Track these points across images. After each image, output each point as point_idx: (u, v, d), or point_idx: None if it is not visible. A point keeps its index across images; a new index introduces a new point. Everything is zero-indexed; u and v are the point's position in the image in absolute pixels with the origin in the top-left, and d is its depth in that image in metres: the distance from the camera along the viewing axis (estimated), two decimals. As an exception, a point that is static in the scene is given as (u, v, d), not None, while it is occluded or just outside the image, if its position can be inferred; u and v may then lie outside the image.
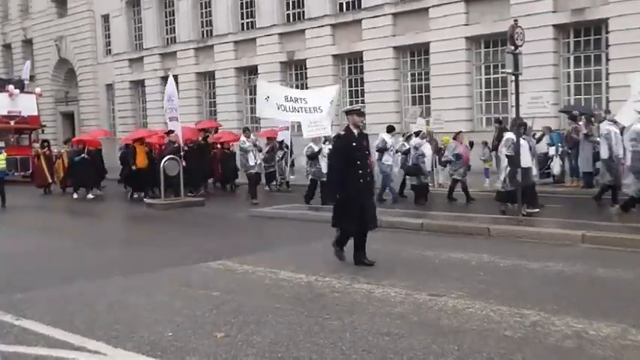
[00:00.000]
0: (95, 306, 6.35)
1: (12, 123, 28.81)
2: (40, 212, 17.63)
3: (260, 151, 18.00)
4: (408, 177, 15.49)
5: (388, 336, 5.15)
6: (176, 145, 17.38)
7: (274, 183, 20.01)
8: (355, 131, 8.22)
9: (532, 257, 8.32)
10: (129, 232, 13.18)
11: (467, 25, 22.50)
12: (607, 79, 19.71)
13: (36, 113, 30.10)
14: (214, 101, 32.32)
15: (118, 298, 6.67)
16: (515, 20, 11.59)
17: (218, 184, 21.30)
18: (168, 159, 16.69)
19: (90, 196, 19.36)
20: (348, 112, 8.47)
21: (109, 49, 37.92)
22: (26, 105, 29.33)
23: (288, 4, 28.70)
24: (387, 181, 15.01)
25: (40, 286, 7.35)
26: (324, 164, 13.85)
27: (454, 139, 15.17)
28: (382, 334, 5.19)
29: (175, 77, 33.54)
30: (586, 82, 20.58)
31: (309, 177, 15.23)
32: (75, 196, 19.52)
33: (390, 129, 15.66)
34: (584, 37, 20.53)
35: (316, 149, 14.89)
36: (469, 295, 6.39)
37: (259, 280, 7.39)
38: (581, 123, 15.89)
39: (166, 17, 34.44)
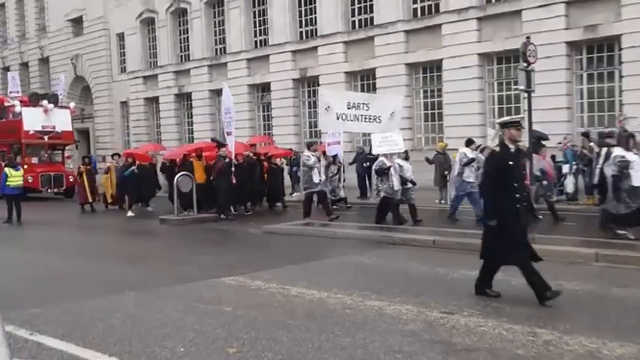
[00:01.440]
0: (108, 321, 6.39)
1: (46, 138, 28.19)
2: (54, 228, 17.75)
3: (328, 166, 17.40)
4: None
5: (400, 353, 5.14)
6: (227, 160, 16.80)
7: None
8: (512, 147, 7.15)
9: (545, 275, 8.24)
10: (142, 247, 13.24)
11: (479, 41, 22.57)
12: (620, 96, 19.64)
13: (70, 128, 29.48)
14: (227, 118, 32.46)
15: (130, 313, 6.71)
16: (528, 37, 11.66)
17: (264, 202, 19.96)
18: (182, 175, 16.79)
19: (149, 208, 19.67)
20: (504, 125, 7.26)
21: (124, 67, 38.32)
22: (60, 120, 28.70)
23: (301, 21, 28.92)
24: (472, 200, 13.59)
25: (53, 301, 7.39)
26: (395, 181, 13.50)
27: (536, 153, 13.69)
28: (394, 352, 5.18)
29: (189, 95, 34.06)
30: (599, 99, 20.52)
31: (381, 194, 13.77)
32: (130, 213, 18.84)
33: (470, 142, 14.50)
34: (597, 54, 20.50)
35: (387, 165, 13.73)
36: (481, 313, 6.37)
37: (271, 296, 7.41)
38: (592, 144, 15.81)
39: (180, 35, 34.81)
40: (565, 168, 16.71)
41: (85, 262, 10.84)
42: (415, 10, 24.89)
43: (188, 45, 34.15)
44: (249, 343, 5.50)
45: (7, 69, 48.72)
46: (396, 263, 9.56)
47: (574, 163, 16.55)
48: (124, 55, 38.36)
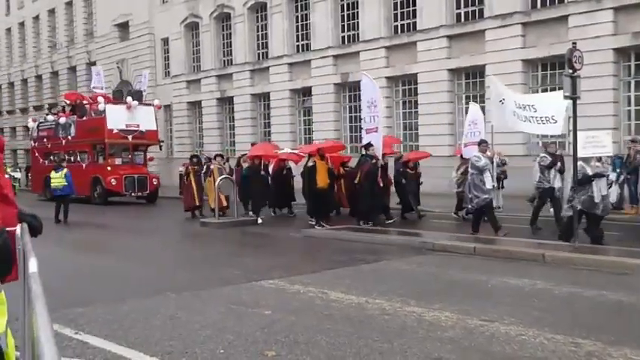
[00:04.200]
0: (150, 322, 6.50)
1: (129, 138, 26.36)
2: (101, 230, 18.11)
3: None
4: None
5: (438, 360, 5.11)
6: (374, 161, 14.85)
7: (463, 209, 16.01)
8: None
9: (588, 285, 8.12)
10: (182, 250, 13.41)
11: (523, 47, 22.29)
12: (668, 103, 19.20)
13: (155, 127, 27.45)
14: (269, 122, 32.76)
15: (171, 314, 6.80)
16: (574, 43, 11.44)
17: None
18: (223, 178, 16.92)
19: (287, 212, 18.26)
20: None
21: (168, 72, 38.96)
22: (144, 118, 26.77)
23: (343, 26, 28.99)
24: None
25: (97, 301, 7.55)
26: (596, 190, 11.15)
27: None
28: (432, 359, 5.15)
29: (231, 99, 34.40)
30: (646, 107, 20.09)
31: (577, 207, 11.29)
32: (259, 221, 16.90)
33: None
34: (646, 61, 20.08)
35: (589, 171, 11.48)
36: (522, 322, 6.28)
37: (310, 300, 7.43)
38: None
39: (223, 40, 35.23)
40: (612, 176, 16.35)
41: (127, 263, 11.05)
42: (459, 15, 24.72)
43: (231, 50, 34.56)
44: (287, 346, 5.53)
45: (55, 73, 50.02)
46: (436, 270, 9.49)
47: (619, 170, 16.19)
48: (168, 60, 39.01)
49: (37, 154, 30.92)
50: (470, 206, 13.71)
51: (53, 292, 7.67)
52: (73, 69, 48.06)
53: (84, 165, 27.17)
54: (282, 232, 15.04)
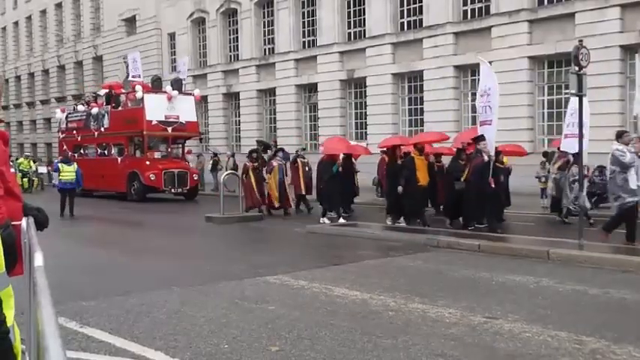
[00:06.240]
0: (154, 316, 6.52)
1: (169, 130, 24.66)
2: (105, 223, 18.18)
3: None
4: None
5: (442, 357, 5.11)
6: (487, 157, 13.00)
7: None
8: None
9: (592, 283, 8.11)
10: (187, 245, 13.44)
11: (530, 44, 22.24)
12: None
13: (195, 119, 25.85)
14: (274, 117, 32.80)
15: (176, 309, 6.83)
16: (580, 40, 11.40)
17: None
18: (229, 174, 16.90)
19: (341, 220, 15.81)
20: None
21: (174, 66, 38.95)
22: (185, 109, 25.04)
23: (349, 22, 28.98)
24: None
25: (102, 294, 7.58)
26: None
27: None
28: (436, 355, 5.16)
29: (237, 94, 34.44)
30: (654, 104, 19.98)
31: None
32: (325, 221, 15.70)
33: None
34: (653, 58, 19.98)
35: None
36: (526, 319, 6.28)
37: (314, 296, 7.44)
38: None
39: (230, 35, 35.27)
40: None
41: (133, 257, 11.08)
42: (465, 12, 24.69)
43: (237, 45, 34.59)
44: (291, 342, 5.55)
45: (62, 67, 50.13)
46: (440, 266, 9.49)
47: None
48: (174, 55, 39.03)
49: (65, 147, 28.75)
50: (572, 207, 13.18)
51: (59, 286, 7.73)
52: (79, 63, 48.16)
53: (119, 159, 25.54)
54: (287, 228, 15.06)
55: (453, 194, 14.08)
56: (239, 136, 34.73)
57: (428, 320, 6.30)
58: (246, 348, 5.39)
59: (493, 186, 13.09)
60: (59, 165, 18.81)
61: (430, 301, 7.08)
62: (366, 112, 28.10)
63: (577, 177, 12.52)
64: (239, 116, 34.86)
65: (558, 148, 15.05)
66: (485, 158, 12.93)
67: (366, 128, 27.91)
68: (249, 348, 5.39)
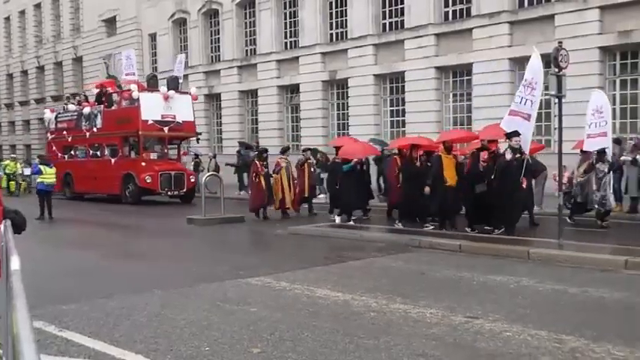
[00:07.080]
0: (135, 319, 6.48)
1: (165, 130, 23.75)
2: (83, 225, 18.02)
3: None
4: None
5: (423, 357, 5.13)
6: (518, 156, 12.10)
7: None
8: None
9: (572, 282, 8.18)
10: (169, 246, 13.37)
11: (510, 46, 22.39)
12: (655, 102, 19.35)
13: (192, 119, 24.95)
14: (256, 118, 32.75)
15: (157, 312, 6.79)
16: (560, 42, 11.50)
17: None
18: (210, 175, 16.80)
19: (353, 218, 15.46)
20: None
21: (155, 67, 38.75)
22: (181, 108, 24.15)
23: (331, 23, 29.00)
24: None
25: (81, 298, 7.51)
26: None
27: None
28: (417, 355, 5.17)
29: (218, 95, 34.33)
30: (632, 105, 20.22)
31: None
32: (338, 219, 15.44)
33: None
34: (631, 60, 20.22)
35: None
36: (506, 318, 6.32)
37: (296, 298, 7.44)
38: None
39: (211, 36, 35.14)
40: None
41: (113, 260, 10.99)
42: (446, 13, 24.80)
43: (219, 46, 34.48)
44: (273, 343, 5.53)
45: (41, 68, 49.67)
46: (422, 267, 9.53)
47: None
48: (155, 56, 38.82)
49: (54, 148, 27.85)
50: (596, 206, 12.91)
51: (38, 289, 7.66)
52: (59, 64, 47.74)
53: (112, 160, 24.59)
54: (269, 230, 15.03)
55: (472, 198, 13.21)
56: (221, 137, 34.63)
57: (409, 320, 6.32)
58: (227, 350, 5.37)
59: (525, 186, 12.52)
60: (40, 167, 18.40)
61: (412, 301, 7.10)
62: (348, 113, 28.13)
63: (604, 173, 12.73)
64: (221, 117, 34.75)
65: (581, 151, 14.37)
66: (515, 155, 12.03)
67: (348, 129, 27.93)
68: (230, 350, 5.37)
